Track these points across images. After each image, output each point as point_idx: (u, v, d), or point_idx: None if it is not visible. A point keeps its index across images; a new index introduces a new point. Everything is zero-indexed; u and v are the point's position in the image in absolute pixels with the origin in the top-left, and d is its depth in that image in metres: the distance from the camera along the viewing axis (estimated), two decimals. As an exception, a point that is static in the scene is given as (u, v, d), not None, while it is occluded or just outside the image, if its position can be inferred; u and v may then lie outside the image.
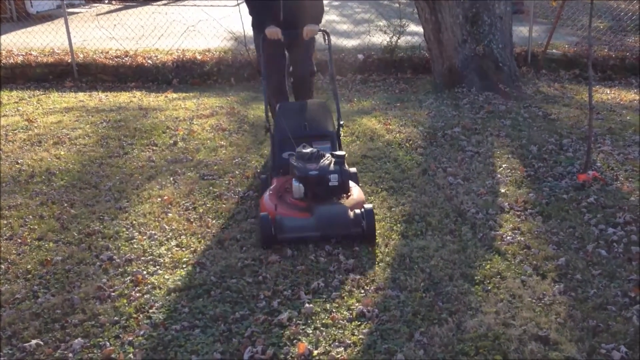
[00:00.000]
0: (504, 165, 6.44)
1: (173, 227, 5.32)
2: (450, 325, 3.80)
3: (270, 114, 6.08)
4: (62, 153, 7.24)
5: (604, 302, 3.97)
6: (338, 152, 5.10)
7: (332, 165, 4.96)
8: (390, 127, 7.92)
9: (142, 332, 3.90)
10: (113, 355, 3.70)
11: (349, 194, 5.13)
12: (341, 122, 5.79)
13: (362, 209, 4.82)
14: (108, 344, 3.80)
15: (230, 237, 5.09)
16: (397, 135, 7.58)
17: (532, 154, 6.70)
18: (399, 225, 5.17)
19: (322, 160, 5.00)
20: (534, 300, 4.06)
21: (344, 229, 4.77)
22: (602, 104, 8.32)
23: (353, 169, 5.74)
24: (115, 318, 4.05)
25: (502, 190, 5.84)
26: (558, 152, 6.70)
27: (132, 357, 3.68)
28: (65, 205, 5.81)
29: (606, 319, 3.79)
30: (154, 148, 7.39)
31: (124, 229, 5.30)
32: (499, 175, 6.23)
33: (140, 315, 4.10)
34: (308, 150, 5.12)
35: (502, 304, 4.03)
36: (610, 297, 4.00)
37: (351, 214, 4.80)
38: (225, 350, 3.69)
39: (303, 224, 4.77)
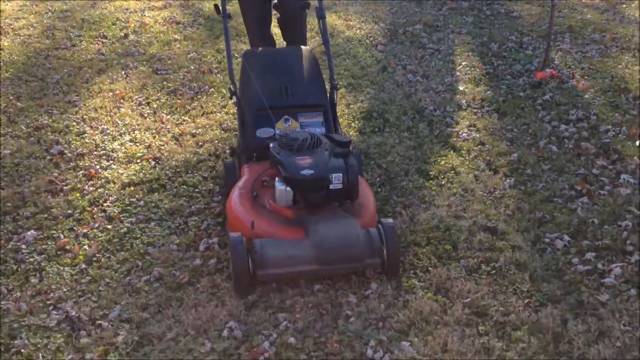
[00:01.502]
0: (463, 63, 6.40)
1: (126, 122, 5.19)
2: (404, 217, 3.88)
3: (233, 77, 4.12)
4: (6, 44, 6.88)
5: (552, 194, 4.10)
6: (341, 137, 3.55)
7: (333, 158, 3.38)
8: (351, 23, 7.72)
9: (96, 225, 3.88)
10: (67, 247, 3.69)
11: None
12: (336, 84, 4.11)
13: (380, 226, 3.30)
14: (62, 236, 3.78)
15: (186, 133, 5.01)
16: (358, 31, 7.42)
17: (492, 51, 6.66)
18: (357, 122, 5.16)
19: (318, 151, 3.39)
20: (485, 194, 4.16)
21: (356, 260, 3.17)
22: (564, 2, 8.25)
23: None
24: (69, 211, 4.01)
25: (461, 88, 5.83)
26: (518, 50, 6.68)
27: (87, 248, 3.67)
28: (11, 98, 5.59)
29: (552, 211, 3.92)
30: (104, 40, 7.08)
31: (74, 123, 5.15)
32: (458, 73, 6.20)
33: (95, 208, 4.06)
34: (297, 134, 3.52)
35: (455, 198, 4.12)
36: (557, 190, 4.12)
37: (363, 235, 3.22)
38: (181, 242, 3.71)
39: (294, 251, 3.13)
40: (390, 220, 3.36)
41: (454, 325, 3.00)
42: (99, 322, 3.10)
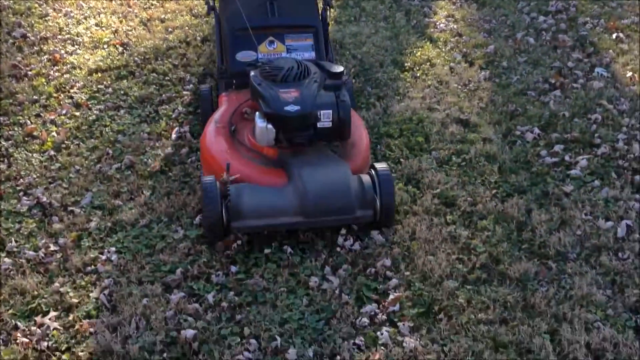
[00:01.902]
0: (444, -50, 6.17)
1: (91, 5, 4.96)
2: (378, 109, 3.86)
3: None
4: None
5: (525, 87, 4.09)
6: (332, 67, 3.07)
7: (323, 91, 2.95)
8: None
9: (64, 112, 3.79)
10: (35, 133, 3.62)
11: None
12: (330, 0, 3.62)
13: (373, 173, 2.93)
14: (29, 122, 3.70)
15: (154, 18, 4.82)
16: None
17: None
18: (332, 10, 4.99)
19: (305, 82, 2.94)
20: (459, 87, 4.14)
21: (345, 211, 2.80)
22: None
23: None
24: (35, 97, 3.90)
25: (440, -24, 5.65)
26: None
27: (55, 135, 3.61)
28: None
29: (525, 104, 3.94)
30: None
31: (37, 5, 4.90)
32: (437, -40, 5.98)
33: (61, 95, 3.96)
34: (282, 62, 3.05)
35: (429, 90, 4.09)
36: (531, 83, 4.12)
37: (355, 183, 2.86)
38: (152, 130, 3.67)
39: (275, 201, 2.77)
40: (384, 165, 2.95)
41: (423, 214, 3.07)
42: (71, 208, 3.10)
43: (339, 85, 2.98)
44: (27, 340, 2.42)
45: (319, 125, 2.89)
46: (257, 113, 2.95)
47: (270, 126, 2.86)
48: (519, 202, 3.13)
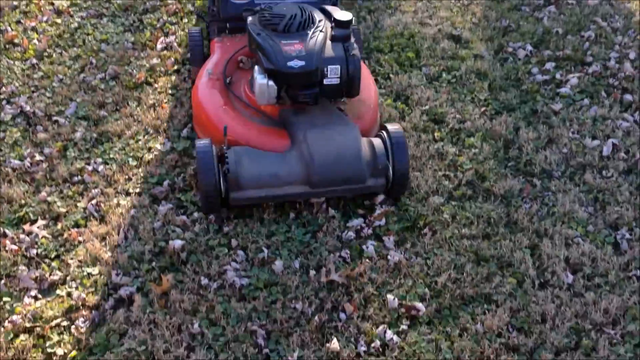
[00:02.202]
0: None
1: None
2: (369, 23, 3.78)
3: None
4: None
5: (520, 2, 4.01)
6: (339, 13, 2.69)
7: (329, 43, 2.64)
8: None
9: (45, 19, 3.67)
10: (16, 41, 3.51)
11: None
12: None
13: (385, 135, 2.65)
14: (9, 29, 3.59)
15: None
16: None
17: None
18: None
19: (310, 32, 2.61)
20: (452, 1, 4.04)
21: (355, 180, 2.56)
22: None
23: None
24: (14, 2, 3.76)
25: None
26: None
27: (37, 42, 3.51)
28: None
29: (518, 20, 3.86)
30: None
31: None
32: None
33: (42, 1, 3.81)
34: (284, 8, 2.71)
35: (422, 4, 4.00)
36: (526, -1, 4.04)
37: (366, 148, 2.59)
38: (136, 40, 3.57)
39: (279, 168, 2.52)
40: (397, 126, 2.65)
41: (411, 131, 3.06)
42: (55, 118, 3.06)
43: (348, 35, 2.63)
44: (16, 247, 2.44)
45: (325, 81, 2.56)
46: (256, 67, 2.61)
47: (271, 83, 2.52)
48: (508, 120, 3.13)
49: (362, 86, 2.68)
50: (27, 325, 2.18)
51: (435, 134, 3.06)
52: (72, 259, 2.43)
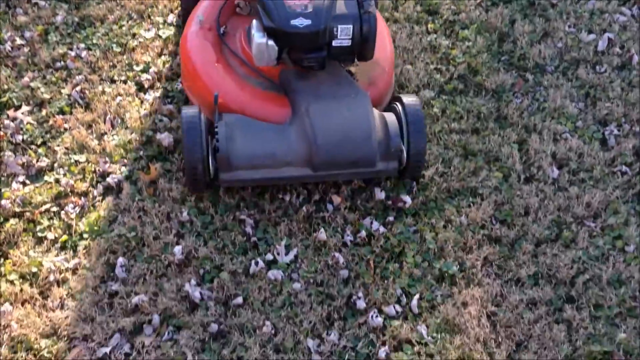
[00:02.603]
0: None
1: None
2: None
3: None
4: None
5: None
6: None
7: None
8: None
9: None
10: None
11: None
12: None
13: (400, 108, 2.32)
14: None
15: None
16: None
17: None
18: None
19: None
20: None
21: (364, 163, 2.23)
22: None
23: None
24: None
25: None
26: None
27: None
28: None
29: None
30: None
31: None
32: None
33: None
34: None
35: None
36: None
37: (378, 125, 2.24)
38: None
39: (277, 145, 2.20)
40: (414, 99, 2.32)
41: (404, 22, 2.97)
42: (35, 0, 2.92)
43: None
44: (1, 133, 2.41)
45: (334, 43, 2.20)
46: (254, 22, 2.24)
47: (271, 43, 2.16)
48: (504, 12, 3.03)
49: (376, 45, 2.28)
50: (17, 209, 2.20)
51: (429, 26, 2.98)
52: (58, 145, 2.41)
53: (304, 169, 2.18)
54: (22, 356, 1.86)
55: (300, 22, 2.15)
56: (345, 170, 2.21)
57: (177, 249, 2.11)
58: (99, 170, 2.35)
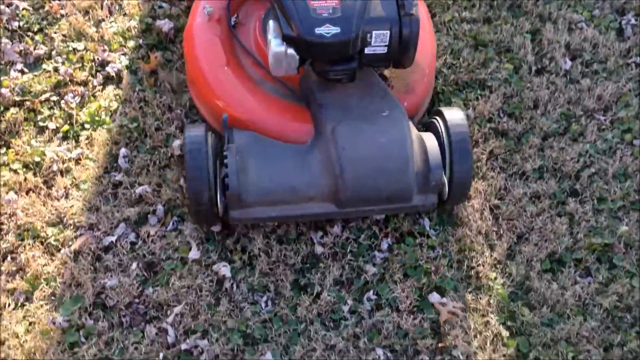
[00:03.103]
0: None
1: None
2: None
3: None
4: None
5: None
6: None
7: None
8: None
9: None
10: None
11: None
12: None
13: (442, 127, 1.96)
14: None
15: None
16: None
17: None
18: None
19: None
20: None
21: (400, 198, 1.87)
22: None
23: None
24: None
25: None
26: None
27: None
28: None
29: None
30: None
31: None
32: None
33: None
34: None
35: None
36: None
37: (417, 152, 1.86)
38: None
39: (297, 175, 1.83)
40: (459, 115, 1.95)
41: None
42: None
43: None
44: (-5, 20, 2.34)
45: (366, 50, 1.79)
46: (270, 22, 1.81)
47: (291, 51, 1.75)
48: None
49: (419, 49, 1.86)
50: (17, 98, 2.17)
51: None
52: (55, 32, 2.34)
53: (327, 205, 1.84)
54: (29, 243, 1.90)
55: (327, 30, 1.72)
56: (376, 206, 1.88)
57: (176, 143, 2.09)
58: (97, 58, 2.29)
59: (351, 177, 1.78)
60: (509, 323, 1.87)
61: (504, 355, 1.82)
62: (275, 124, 1.90)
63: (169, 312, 1.81)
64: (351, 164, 1.78)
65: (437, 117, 1.99)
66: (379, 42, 1.77)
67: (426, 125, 2.06)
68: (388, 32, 1.76)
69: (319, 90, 1.88)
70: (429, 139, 1.89)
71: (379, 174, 1.79)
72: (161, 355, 1.75)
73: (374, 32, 1.76)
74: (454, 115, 1.94)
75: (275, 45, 1.76)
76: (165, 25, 2.34)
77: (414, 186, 1.82)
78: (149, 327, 1.79)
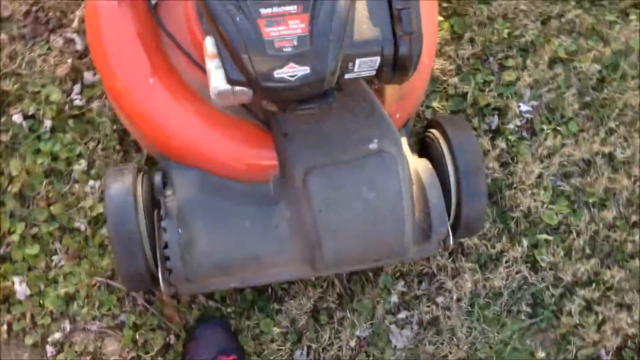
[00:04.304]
0: None
1: None
2: None
3: None
4: None
5: None
6: None
7: (360, 4, 1.17)
8: None
9: None
10: None
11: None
12: None
13: (440, 144, 1.47)
14: None
15: None
16: None
17: None
18: None
19: None
20: None
21: (393, 254, 1.38)
22: None
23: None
24: None
25: None
26: None
27: None
28: None
29: None
30: None
31: None
32: None
33: None
34: None
35: None
36: None
37: (413, 190, 1.37)
38: None
39: (258, 242, 1.33)
40: (464, 130, 1.48)
41: None
42: None
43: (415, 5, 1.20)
44: None
45: (347, 76, 1.21)
46: (207, 40, 1.13)
47: (241, 89, 1.16)
48: None
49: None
50: None
51: None
52: None
53: (301, 269, 1.39)
54: None
55: (291, 72, 1.12)
56: (364, 266, 1.51)
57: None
58: None
59: (332, 248, 1.32)
60: (444, 4, 1.77)
61: (438, 39, 1.72)
62: (226, 153, 1.34)
63: (72, 18, 1.68)
64: (331, 232, 1.31)
65: (434, 130, 1.50)
66: (365, 67, 1.22)
67: (420, 142, 1.58)
68: (378, 57, 1.20)
69: (282, 114, 1.29)
70: (427, 175, 1.38)
71: (367, 241, 1.34)
72: (69, 61, 1.62)
73: (357, 60, 1.20)
74: (458, 128, 1.45)
75: (218, 83, 1.14)
76: None
77: (410, 244, 1.37)
78: (53, 36, 1.66)
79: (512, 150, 1.71)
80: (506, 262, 1.64)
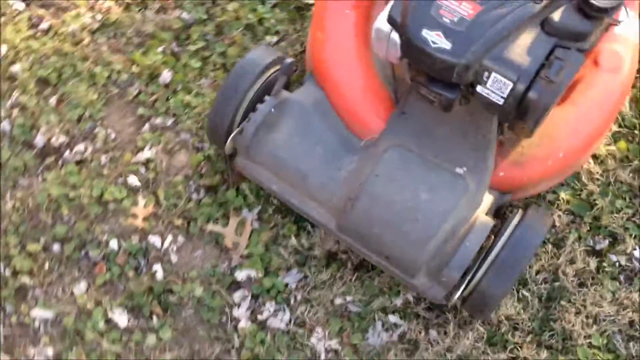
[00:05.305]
0: None
1: None
2: None
3: None
4: None
5: None
6: None
7: (529, 32, 1.31)
8: None
9: None
10: None
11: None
12: None
13: (514, 223, 1.50)
14: None
15: None
16: None
17: None
18: None
19: None
20: None
21: (400, 265, 1.49)
22: None
23: None
24: None
25: None
26: None
27: None
28: None
29: None
30: None
31: None
32: None
33: None
34: None
35: None
36: None
37: (459, 229, 1.44)
38: None
39: (316, 168, 1.54)
40: (543, 226, 1.49)
41: None
42: None
43: (582, 34, 1.31)
44: None
45: (478, 89, 1.33)
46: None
47: (395, 37, 1.36)
48: None
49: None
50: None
51: None
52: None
53: (329, 218, 1.52)
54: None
55: (435, 38, 1.29)
56: (373, 255, 1.51)
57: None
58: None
59: (361, 209, 1.45)
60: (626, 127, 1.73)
61: (606, 152, 1.69)
62: (354, 99, 1.57)
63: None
64: (370, 196, 1.44)
65: (516, 209, 1.58)
66: (495, 88, 1.31)
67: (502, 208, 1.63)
68: (511, 84, 1.28)
69: (409, 94, 1.48)
70: (481, 226, 1.43)
71: (392, 228, 1.44)
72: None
73: (493, 74, 1.29)
74: (537, 218, 1.48)
75: (380, 21, 1.38)
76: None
77: (422, 266, 1.44)
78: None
79: (597, 278, 1.61)
80: (510, 350, 1.56)
